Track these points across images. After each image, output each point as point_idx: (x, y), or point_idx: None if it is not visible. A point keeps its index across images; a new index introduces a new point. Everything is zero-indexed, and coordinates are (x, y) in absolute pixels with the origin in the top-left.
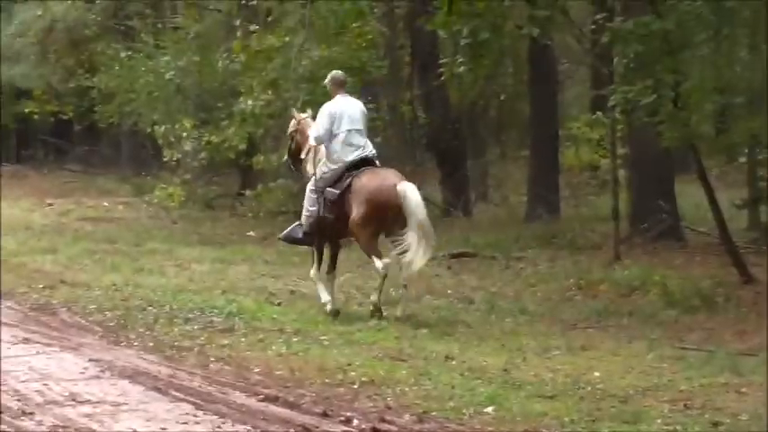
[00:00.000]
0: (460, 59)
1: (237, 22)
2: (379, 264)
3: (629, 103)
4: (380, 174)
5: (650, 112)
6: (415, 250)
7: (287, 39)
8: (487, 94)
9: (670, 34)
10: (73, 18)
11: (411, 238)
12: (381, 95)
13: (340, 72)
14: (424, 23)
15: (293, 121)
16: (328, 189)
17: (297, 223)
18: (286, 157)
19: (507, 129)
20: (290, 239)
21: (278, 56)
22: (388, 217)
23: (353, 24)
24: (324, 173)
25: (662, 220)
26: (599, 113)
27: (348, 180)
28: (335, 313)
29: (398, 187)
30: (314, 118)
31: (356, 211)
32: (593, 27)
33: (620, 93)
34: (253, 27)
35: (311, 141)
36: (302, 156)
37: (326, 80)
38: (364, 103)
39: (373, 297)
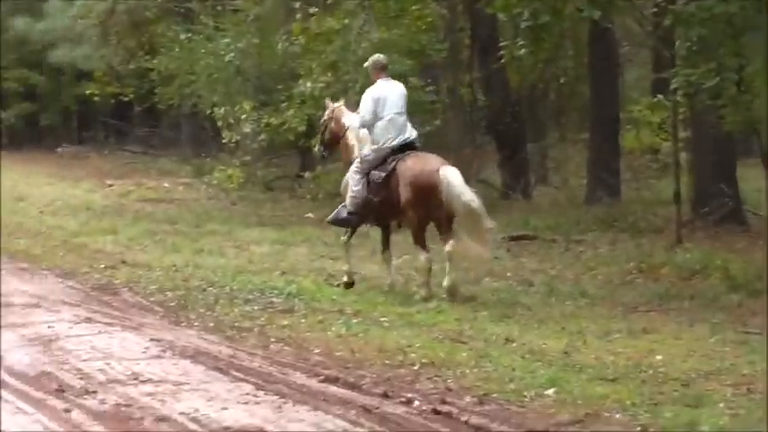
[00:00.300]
0: (520, 42)
1: (297, 5)
2: (422, 257)
3: (691, 86)
4: (424, 158)
5: (713, 96)
6: (467, 233)
7: (346, 21)
8: (547, 76)
9: (734, 17)
10: (134, 0)
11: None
12: (441, 78)
13: (382, 56)
14: (484, 6)
15: (327, 110)
16: (373, 171)
17: (342, 205)
18: (318, 145)
19: (567, 112)
20: (337, 221)
21: (337, 38)
22: (431, 201)
23: (413, 7)
24: (366, 156)
25: (724, 204)
26: (660, 96)
27: (393, 163)
28: (348, 285)
29: (440, 171)
30: (351, 106)
31: (403, 196)
32: (654, 10)
33: (683, 76)
34: (312, 10)
35: (356, 124)
36: (339, 141)
37: (367, 63)
38: (423, 87)
39: (422, 292)
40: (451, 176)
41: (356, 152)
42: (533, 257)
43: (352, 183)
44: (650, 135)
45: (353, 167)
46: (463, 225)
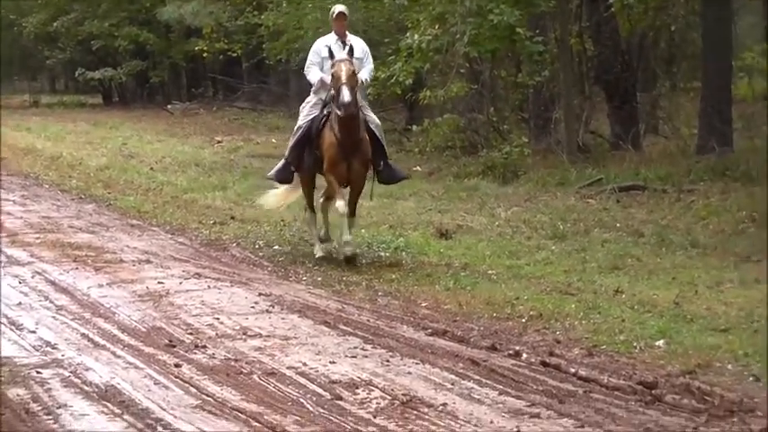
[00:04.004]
0: None
1: None
2: None
3: None
4: None
5: None
6: None
7: None
8: (658, 24)
9: None
10: None
11: None
12: (549, 28)
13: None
14: None
15: None
16: None
17: None
18: None
19: (679, 60)
20: None
21: None
22: None
23: None
24: None
25: None
26: None
27: None
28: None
29: None
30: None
31: None
32: None
33: None
34: None
35: None
36: None
37: None
38: (531, 37)
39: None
40: None
41: None
42: (643, 208)
43: None
44: (763, 82)
45: None
46: None
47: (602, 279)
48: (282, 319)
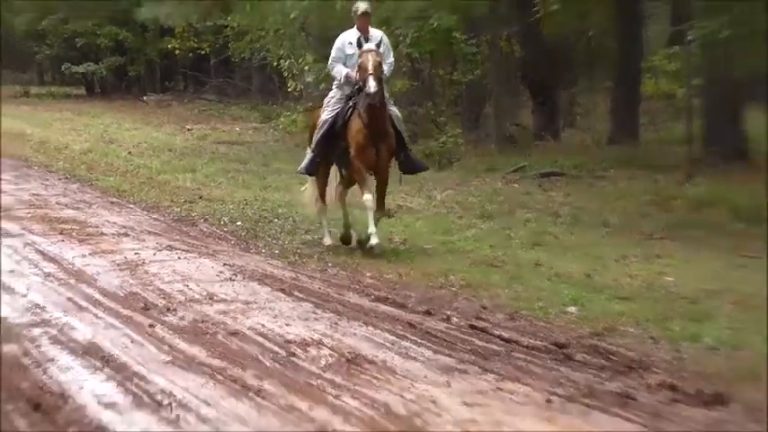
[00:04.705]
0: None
1: None
2: None
3: (705, 37)
4: None
5: (725, 44)
6: None
7: None
8: (578, 30)
9: None
10: None
11: None
12: (482, 32)
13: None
14: None
15: None
16: None
17: None
18: None
19: (595, 62)
20: None
21: None
22: None
23: None
24: None
25: (731, 144)
26: (677, 47)
27: None
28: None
29: None
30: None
31: None
32: None
33: (699, 28)
34: None
35: None
36: None
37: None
38: (466, 40)
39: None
40: None
41: None
42: (561, 192)
43: None
44: (667, 82)
45: None
46: None
47: (523, 254)
48: (244, 286)
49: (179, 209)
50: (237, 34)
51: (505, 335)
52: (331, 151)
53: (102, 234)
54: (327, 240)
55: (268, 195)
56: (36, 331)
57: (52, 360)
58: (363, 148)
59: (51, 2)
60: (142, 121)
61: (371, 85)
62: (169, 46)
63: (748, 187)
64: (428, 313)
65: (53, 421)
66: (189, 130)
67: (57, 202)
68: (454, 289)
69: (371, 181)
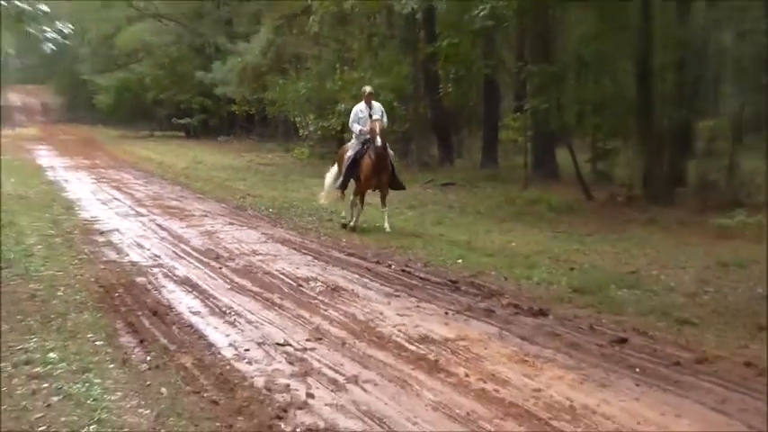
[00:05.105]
0: (450, 85)
1: (337, 65)
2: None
3: (534, 108)
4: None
5: (544, 112)
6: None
7: (363, 74)
8: (463, 101)
9: (556, 73)
10: (256, 63)
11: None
12: (409, 102)
13: (368, 87)
14: (432, 66)
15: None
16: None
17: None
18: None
19: (473, 120)
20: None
21: (358, 82)
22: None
23: (396, 66)
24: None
25: (548, 168)
26: (519, 113)
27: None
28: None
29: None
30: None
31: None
32: (517, 70)
33: (530, 102)
34: (345, 68)
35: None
36: None
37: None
38: (399, 107)
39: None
40: None
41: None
42: (453, 194)
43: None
44: (513, 133)
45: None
46: None
47: (432, 229)
48: (273, 246)
49: (236, 201)
50: (271, 102)
51: (422, 275)
52: (352, 174)
53: (193, 215)
54: (351, 223)
55: (288, 194)
56: (155, 270)
57: (164, 287)
58: (369, 178)
59: (166, 83)
60: (216, 152)
61: (378, 142)
62: (232, 108)
63: (557, 194)
64: (378, 262)
65: (164, 322)
66: (242, 156)
67: (167, 197)
68: (393, 248)
69: (357, 201)
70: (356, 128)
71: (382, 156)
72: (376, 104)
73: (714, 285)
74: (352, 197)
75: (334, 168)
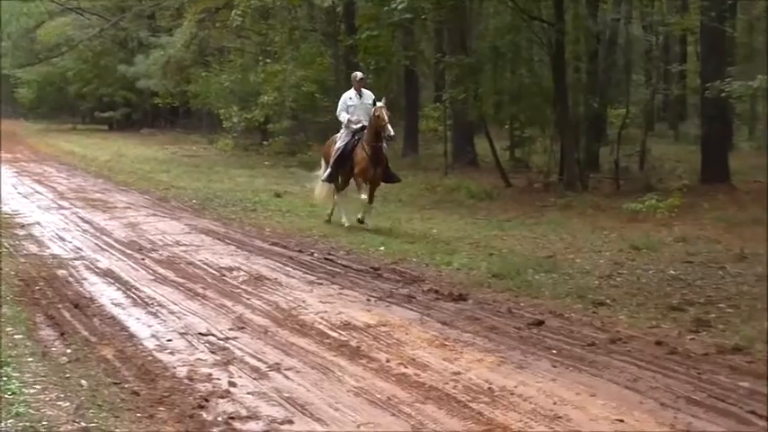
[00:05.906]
0: (370, 75)
1: (260, 58)
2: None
3: (453, 98)
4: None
5: (463, 102)
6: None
7: (285, 66)
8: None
9: (473, 64)
10: (179, 56)
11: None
12: (332, 94)
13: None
14: (353, 58)
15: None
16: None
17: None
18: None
19: (394, 110)
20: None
21: (280, 74)
22: None
23: (318, 59)
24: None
25: (468, 156)
26: (438, 103)
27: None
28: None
29: None
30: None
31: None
32: (435, 61)
33: (449, 93)
34: (268, 60)
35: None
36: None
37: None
38: (322, 98)
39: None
40: None
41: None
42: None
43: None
44: (433, 122)
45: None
46: None
47: (354, 218)
48: (196, 236)
49: (160, 192)
50: (195, 95)
51: (344, 263)
52: (340, 167)
53: (116, 207)
54: (346, 223)
55: (211, 185)
56: (77, 263)
57: (86, 279)
58: (365, 169)
59: (89, 76)
60: (140, 144)
61: (390, 130)
62: (156, 101)
63: (476, 181)
64: (300, 251)
65: (85, 314)
66: (166, 148)
67: (90, 189)
68: (316, 237)
69: (365, 187)
70: (344, 116)
71: (378, 147)
72: (366, 92)
73: (627, 267)
74: (327, 188)
75: (323, 165)
